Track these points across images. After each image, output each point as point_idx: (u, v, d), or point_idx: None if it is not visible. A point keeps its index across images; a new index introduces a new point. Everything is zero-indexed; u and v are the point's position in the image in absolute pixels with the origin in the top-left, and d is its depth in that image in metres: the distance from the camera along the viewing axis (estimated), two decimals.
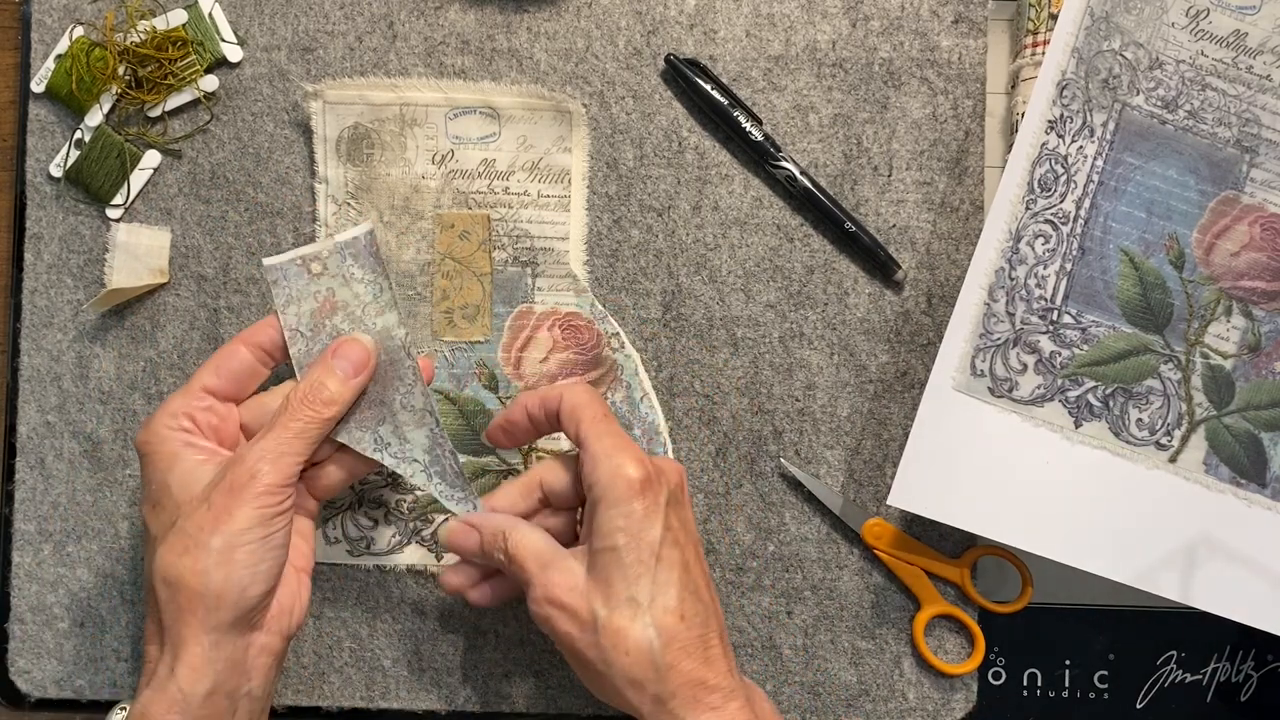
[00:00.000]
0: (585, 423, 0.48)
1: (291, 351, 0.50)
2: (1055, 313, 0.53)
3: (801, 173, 0.56)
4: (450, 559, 0.55)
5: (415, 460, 0.51)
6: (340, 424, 0.50)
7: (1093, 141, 0.53)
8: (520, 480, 0.52)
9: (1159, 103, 0.53)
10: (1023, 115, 0.53)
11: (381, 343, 0.51)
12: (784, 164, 0.56)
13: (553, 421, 0.50)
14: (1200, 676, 0.58)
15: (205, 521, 0.46)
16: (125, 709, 0.54)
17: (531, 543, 0.48)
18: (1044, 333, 0.53)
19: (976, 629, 0.56)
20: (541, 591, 0.46)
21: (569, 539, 0.51)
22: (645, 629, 0.44)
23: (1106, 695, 0.58)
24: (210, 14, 0.57)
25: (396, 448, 0.50)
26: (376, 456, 0.50)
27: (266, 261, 0.50)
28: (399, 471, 0.51)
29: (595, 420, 0.48)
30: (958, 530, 0.55)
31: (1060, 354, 0.53)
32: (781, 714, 0.49)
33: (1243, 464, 0.53)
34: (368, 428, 0.50)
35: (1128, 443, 0.53)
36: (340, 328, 0.50)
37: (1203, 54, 0.53)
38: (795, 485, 0.57)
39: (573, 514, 0.52)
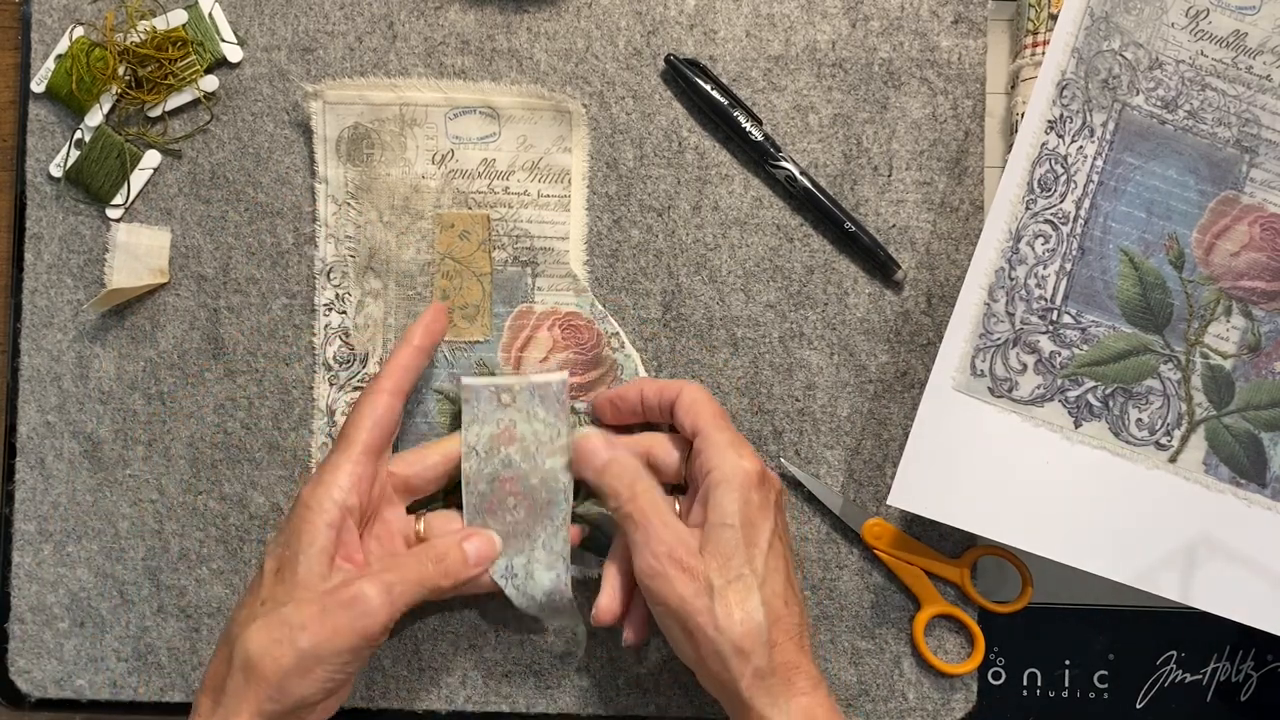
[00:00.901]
0: (705, 417, 0.51)
1: (464, 466, 0.54)
2: (1055, 313, 0.53)
3: (801, 173, 0.56)
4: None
5: (533, 598, 0.54)
6: None
7: (1093, 141, 0.53)
8: (627, 440, 0.53)
9: (1159, 103, 0.53)
10: (1023, 115, 0.53)
11: (544, 483, 0.54)
12: (784, 164, 0.56)
13: (665, 411, 0.52)
14: (1200, 676, 0.58)
15: (309, 622, 0.47)
16: None
17: (658, 498, 0.50)
18: (1044, 333, 0.53)
19: (976, 629, 0.56)
20: (665, 549, 0.48)
21: None
22: (757, 605, 0.47)
23: (1106, 695, 0.58)
24: (210, 14, 0.57)
25: (522, 581, 0.54)
26: (500, 583, 0.53)
27: (465, 380, 0.54)
28: (514, 601, 0.54)
29: (715, 415, 0.51)
30: (958, 530, 0.55)
31: (1060, 354, 0.53)
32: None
33: (1243, 464, 0.53)
34: (505, 555, 0.54)
35: (1128, 443, 0.53)
36: (513, 458, 0.54)
37: (1203, 54, 0.53)
38: (795, 485, 0.57)
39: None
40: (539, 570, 0.54)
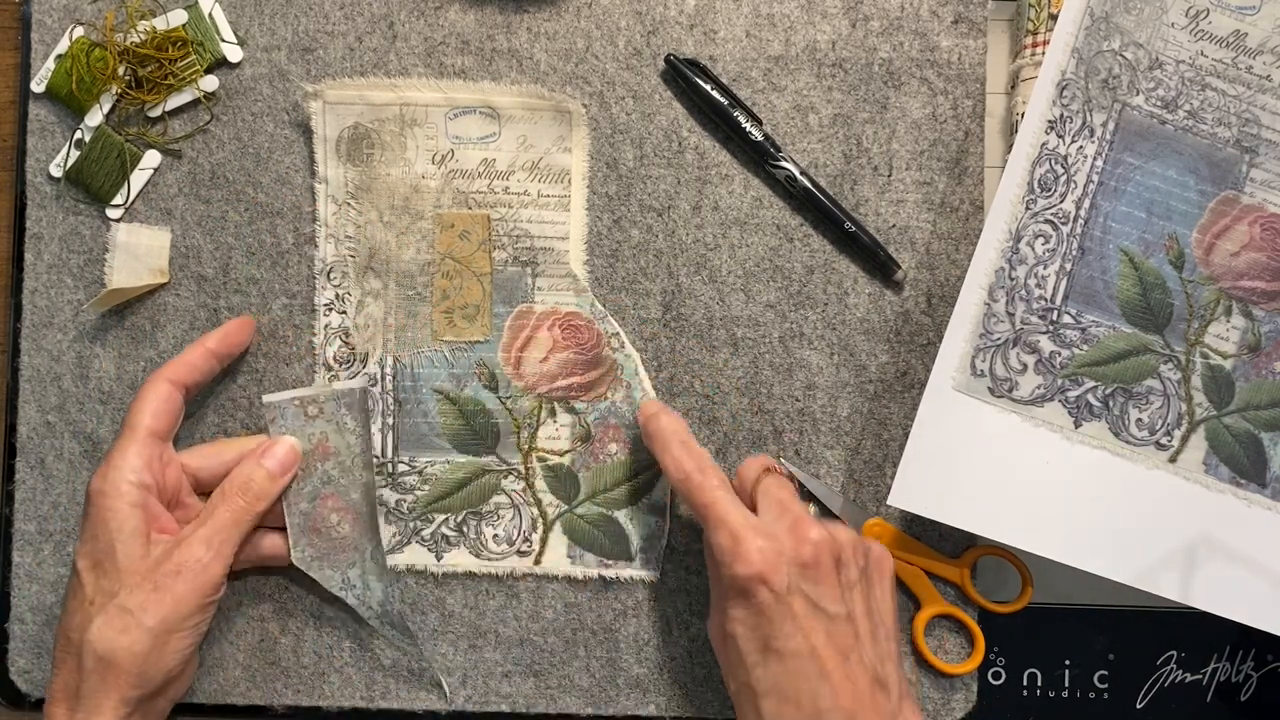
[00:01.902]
0: (705, 491, 0.49)
1: (283, 493, 0.54)
2: (1055, 313, 0.53)
3: (801, 173, 0.56)
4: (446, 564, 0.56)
5: (371, 607, 0.55)
6: (314, 560, 0.54)
7: (1093, 141, 0.53)
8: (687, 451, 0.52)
9: (1159, 103, 0.53)
10: (1023, 115, 0.53)
11: (364, 496, 0.55)
12: (784, 164, 0.56)
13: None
14: (1200, 676, 0.58)
15: (149, 603, 0.48)
16: None
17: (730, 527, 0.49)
18: (1044, 333, 0.53)
19: (976, 629, 0.56)
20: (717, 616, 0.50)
21: None
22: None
23: (1106, 695, 0.58)
24: (210, 14, 0.57)
25: (360, 591, 0.55)
26: (340, 594, 0.55)
27: (266, 398, 0.54)
28: (358, 611, 0.55)
29: (700, 507, 0.49)
30: (958, 530, 0.55)
31: (1060, 354, 0.53)
32: None
33: (1243, 464, 0.53)
34: (338, 568, 0.55)
35: (1128, 443, 0.53)
36: (330, 473, 0.54)
37: (1202, 54, 0.53)
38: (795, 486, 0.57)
39: None
40: (372, 580, 0.55)
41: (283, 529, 0.55)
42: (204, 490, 0.54)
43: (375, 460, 0.56)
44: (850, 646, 0.46)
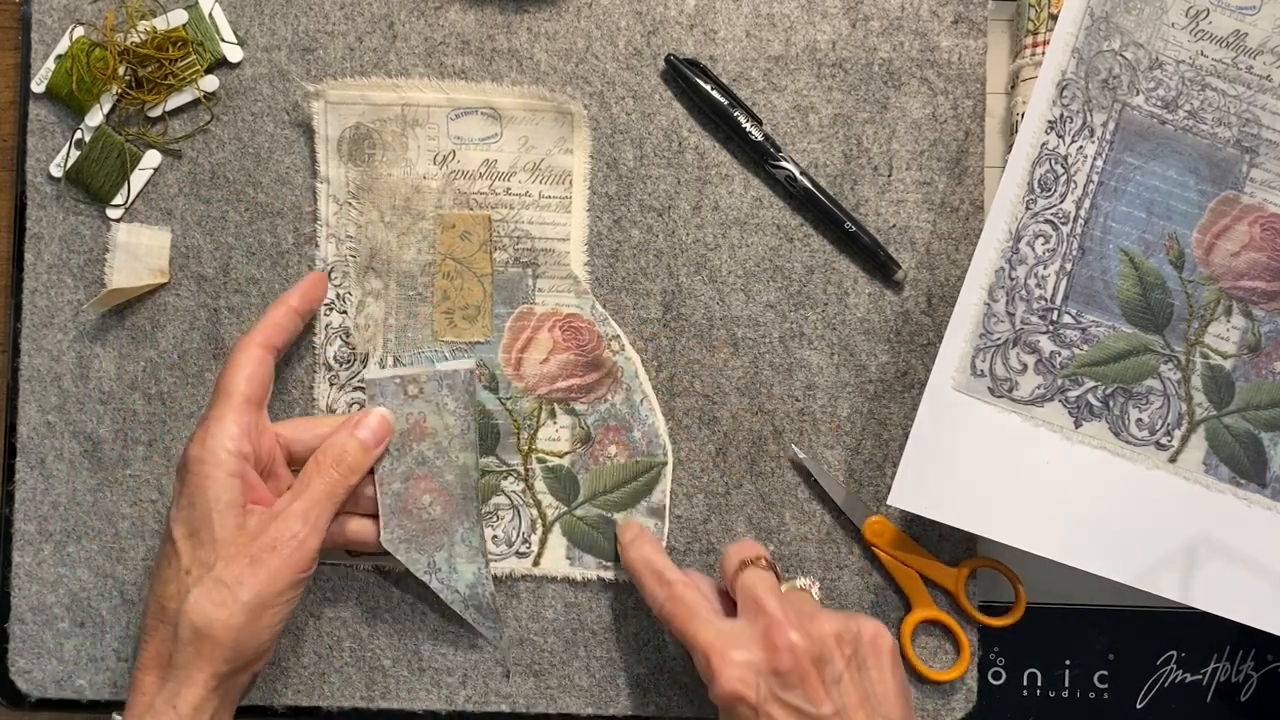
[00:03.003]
0: (683, 617, 0.49)
1: (376, 467, 0.53)
2: (1055, 313, 0.53)
3: (801, 173, 0.56)
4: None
5: (457, 591, 0.55)
6: (403, 543, 0.54)
7: (1093, 141, 0.53)
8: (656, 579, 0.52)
9: (1159, 103, 0.53)
10: (1023, 115, 0.53)
11: (459, 478, 0.54)
12: (784, 164, 0.56)
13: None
14: (1200, 676, 0.58)
15: (245, 576, 0.48)
16: None
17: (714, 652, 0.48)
18: (1044, 333, 0.53)
19: (964, 637, 0.56)
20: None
21: None
22: None
23: (1106, 695, 0.58)
24: (210, 14, 0.57)
25: (446, 575, 0.54)
26: (424, 578, 0.54)
27: (368, 375, 0.54)
28: (441, 596, 0.55)
29: (677, 633, 0.49)
30: (958, 531, 0.55)
31: (1060, 354, 0.53)
32: None
33: (1243, 464, 0.53)
34: (426, 551, 0.54)
35: (1128, 443, 0.53)
36: (426, 454, 0.54)
37: (1203, 54, 0.53)
38: (795, 485, 0.57)
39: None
40: (461, 564, 0.54)
41: (368, 515, 0.54)
42: (295, 462, 0.53)
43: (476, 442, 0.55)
44: None
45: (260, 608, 0.48)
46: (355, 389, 0.57)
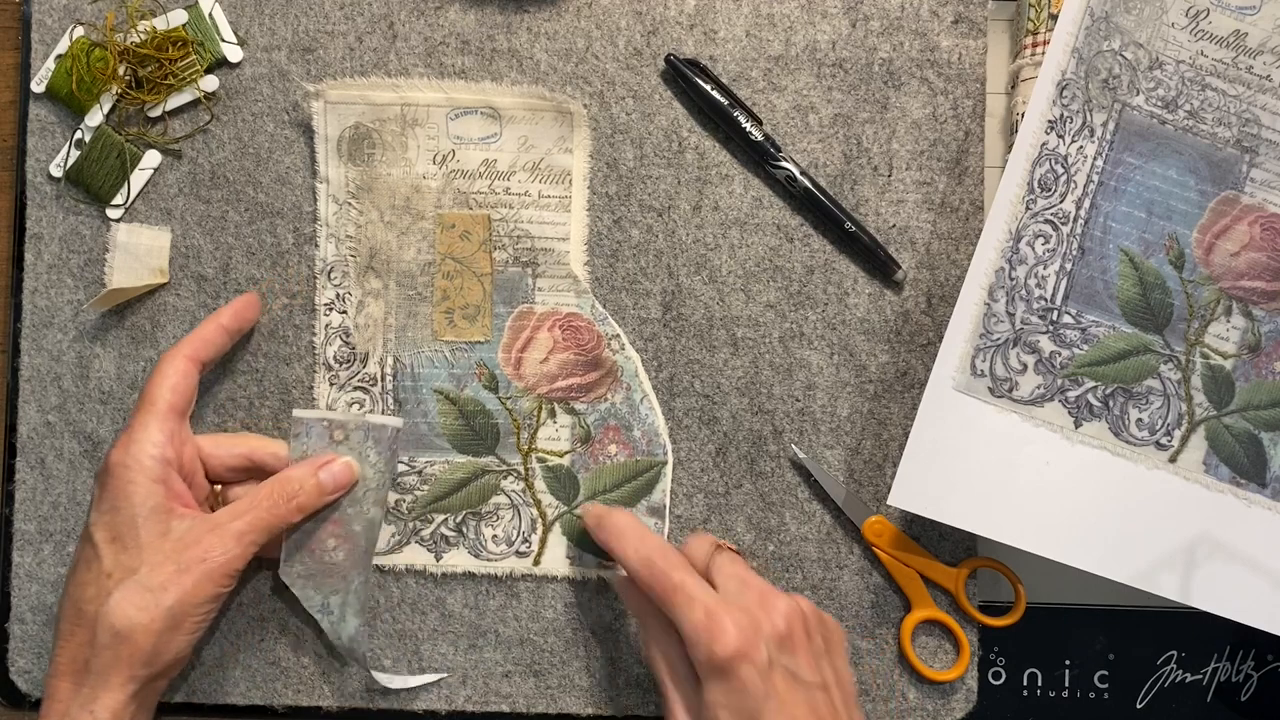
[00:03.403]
0: (660, 597, 0.48)
1: None
2: (1055, 313, 0.53)
3: (801, 173, 0.56)
4: (448, 564, 0.56)
5: (339, 637, 0.54)
6: (300, 578, 0.53)
7: (1093, 141, 0.53)
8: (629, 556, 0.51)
9: (1159, 103, 0.53)
10: (1023, 115, 0.53)
11: (365, 531, 0.54)
12: (784, 164, 0.56)
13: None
14: (1200, 676, 0.58)
15: (169, 582, 0.48)
16: None
17: (671, 659, 0.48)
18: (1044, 333, 0.53)
19: (964, 637, 0.56)
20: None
21: None
22: None
23: (1106, 695, 0.58)
24: (210, 14, 0.57)
25: (336, 619, 0.54)
26: (316, 616, 0.54)
27: (296, 413, 0.53)
28: (328, 634, 0.54)
29: (668, 592, 0.47)
30: (958, 531, 0.55)
31: (1060, 354, 0.53)
32: None
33: (1242, 464, 0.53)
34: (323, 592, 0.54)
35: (1128, 443, 0.53)
36: (340, 502, 0.53)
37: (1203, 54, 0.53)
38: (795, 485, 0.57)
39: None
40: (350, 614, 0.54)
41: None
42: (214, 476, 0.54)
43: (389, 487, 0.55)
44: (833, 715, 0.46)
45: (182, 615, 0.48)
46: (356, 388, 0.57)
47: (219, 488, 0.54)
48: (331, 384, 0.57)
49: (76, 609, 0.49)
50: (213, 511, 0.51)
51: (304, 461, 0.53)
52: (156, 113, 0.57)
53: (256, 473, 0.53)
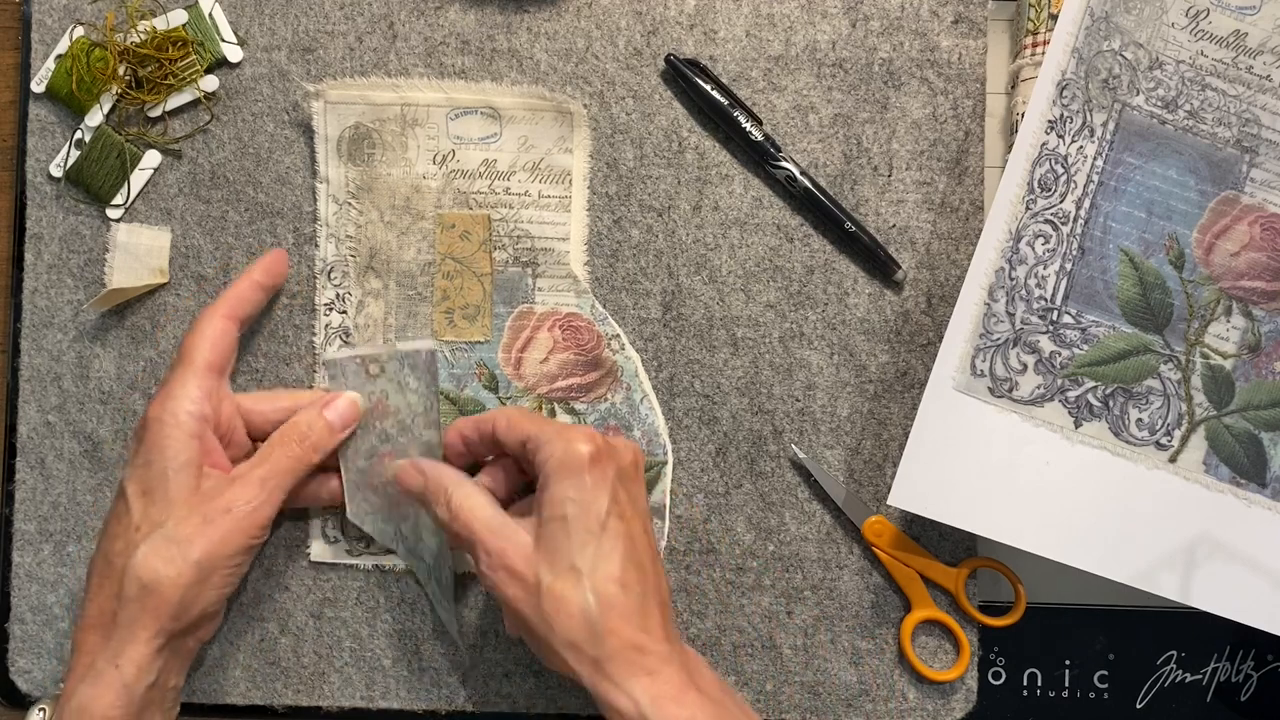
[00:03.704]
0: (526, 423, 0.49)
1: (340, 446, 0.53)
2: (1055, 313, 0.53)
3: (801, 173, 0.56)
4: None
5: (423, 560, 0.55)
6: (369, 515, 0.54)
7: (1093, 141, 0.53)
8: (475, 419, 0.52)
9: (1159, 103, 0.53)
10: (1023, 115, 0.53)
11: (426, 455, 0.54)
12: (784, 164, 0.56)
13: (487, 442, 0.52)
14: (1200, 676, 0.58)
15: (196, 535, 0.48)
16: (44, 709, 0.53)
17: (479, 506, 0.49)
18: (1044, 333, 0.53)
19: (964, 638, 0.56)
20: (496, 559, 0.47)
21: (506, 498, 0.52)
22: (585, 595, 0.45)
23: (1106, 695, 0.58)
24: (210, 14, 0.57)
25: (412, 544, 0.55)
26: (392, 546, 0.55)
27: (326, 355, 0.54)
28: (408, 565, 0.55)
29: (537, 419, 0.50)
30: (958, 531, 0.55)
31: (1060, 354, 0.53)
32: (722, 679, 0.50)
33: (1243, 464, 0.53)
34: (392, 521, 0.55)
35: (1128, 443, 0.53)
36: (389, 431, 0.54)
37: (1203, 54, 0.53)
38: (795, 485, 0.57)
39: (514, 465, 0.52)
40: (426, 534, 0.55)
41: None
42: (256, 434, 0.54)
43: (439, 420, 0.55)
44: (650, 550, 0.48)
45: (209, 568, 0.48)
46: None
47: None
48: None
49: (106, 561, 0.49)
50: None
51: (309, 405, 0.53)
52: (156, 113, 0.57)
53: None
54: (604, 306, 0.57)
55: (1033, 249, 0.53)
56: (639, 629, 0.46)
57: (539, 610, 0.46)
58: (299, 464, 0.51)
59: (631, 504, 0.48)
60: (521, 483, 0.53)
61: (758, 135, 0.56)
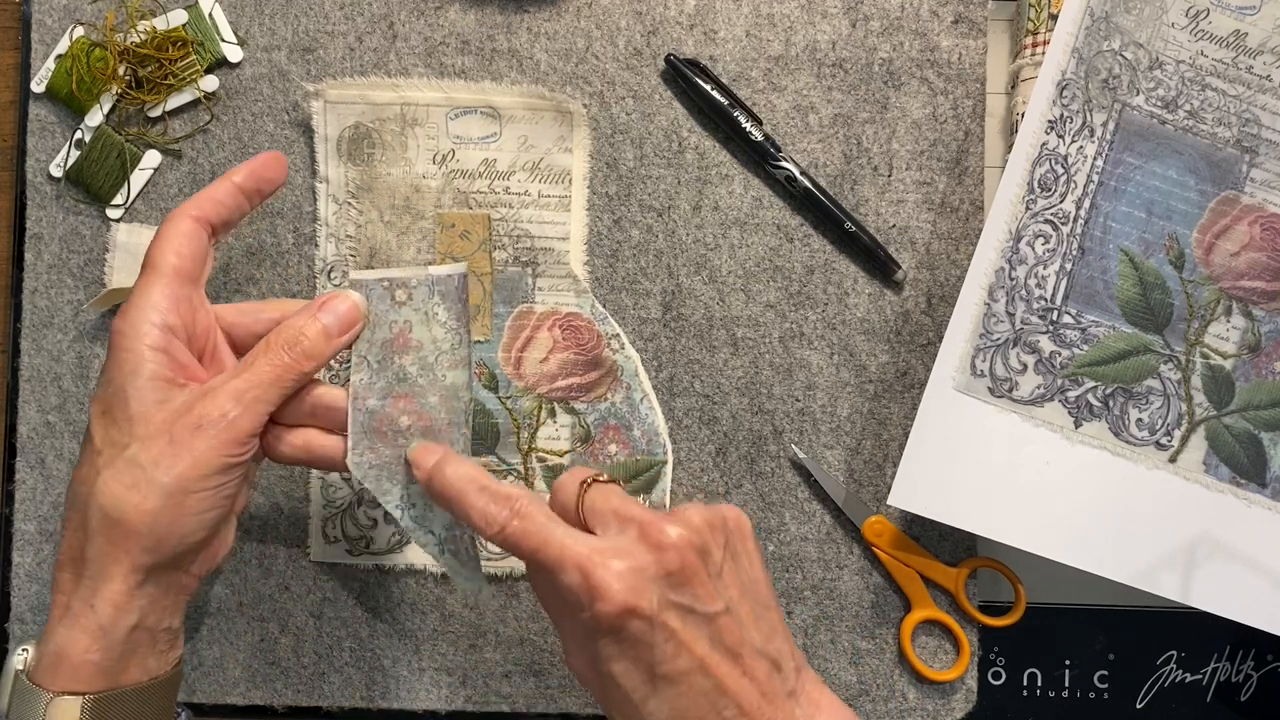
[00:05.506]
0: (527, 561, 0.42)
1: (352, 379, 0.47)
2: (1055, 313, 0.53)
3: (801, 173, 0.56)
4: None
5: (432, 532, 0.47)
6: (372, 469, 0.47)
7: (1093, 141, 0.53)
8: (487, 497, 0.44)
9: (1159, 103, 0.53)
10: (1023, 115, 0.53)
11: (445, 401, 0.47)
12: (784, 164, 0.56)
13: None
14: (1200, 676, 0.58)
15: (162, 456, 0.42)
16: (28, 650, 0.44)
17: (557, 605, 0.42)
18: (1044, 333, 0.53)
19: (964, 637, 0.56)
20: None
21: None
22: None
23: (1106, 695, 0.58)
24: (210, 14, 0.57)
25: (420, 512, 0.47)
26: (395, 514, 0.47)
27: (353, 275, 0.47)
28: (411, 537, 0.48)
29: (533, 556, 0.41)
30: (958, 531, 0.55)
31: (1060, 354, 0.53)
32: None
33: (1242, 464, 0.53)
34: (399, 481, 0.47)
35: (1128, 443, 0.53)
36: (408, 370, 0.47)
37: (1203, 54, 0.53)
38: (795, 485, 0.57)
39: None
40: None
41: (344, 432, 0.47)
42: (241, 350, 0.48)
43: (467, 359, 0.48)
44: (738, 641, 0.40)
45: (182, 492, 0.42)
46: None
47: None
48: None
49: (73, 491, 0.44)
50: None
51: (303, 309, 0.46)
52: (156, 113, 0.57)
53: None
54: (604, 306, 0.57)
55: (1033, 249, 0.53)
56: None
57: None
58: (286, 373, 0.44)
59: (687, 620, 0.40)
60: None
61: (758, 135, 0.56)
